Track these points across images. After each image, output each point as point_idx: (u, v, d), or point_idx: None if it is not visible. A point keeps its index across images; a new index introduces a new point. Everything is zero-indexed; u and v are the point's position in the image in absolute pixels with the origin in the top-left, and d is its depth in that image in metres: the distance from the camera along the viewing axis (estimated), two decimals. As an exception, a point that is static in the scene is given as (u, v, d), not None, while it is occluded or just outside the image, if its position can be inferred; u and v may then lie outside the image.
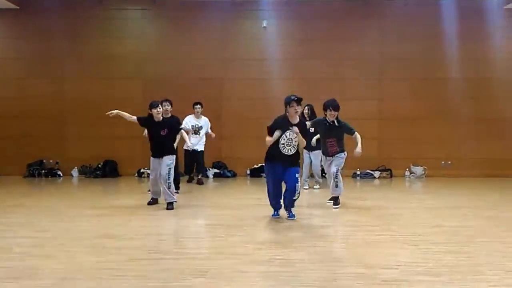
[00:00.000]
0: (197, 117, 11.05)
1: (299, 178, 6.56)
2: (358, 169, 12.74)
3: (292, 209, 6.74)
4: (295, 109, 6.47)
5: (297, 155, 6.65)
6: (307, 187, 10.32)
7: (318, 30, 13.01)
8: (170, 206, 7.68)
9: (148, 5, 13.23)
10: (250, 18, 13.24)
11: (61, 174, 12.93)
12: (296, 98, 6.48)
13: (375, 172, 12.77)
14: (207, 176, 12.56)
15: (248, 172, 12.90)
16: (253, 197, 9.18)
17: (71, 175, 12.96)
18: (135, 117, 7.85)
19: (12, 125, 12.93)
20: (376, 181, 12.24)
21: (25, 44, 13.22)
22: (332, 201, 7.97)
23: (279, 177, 6.61)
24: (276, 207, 6.87)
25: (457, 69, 12.86)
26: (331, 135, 7.79)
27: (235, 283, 4.05)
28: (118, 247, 5.22)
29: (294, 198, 6.60)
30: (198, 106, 11.06)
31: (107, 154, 12.90)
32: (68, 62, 13.14)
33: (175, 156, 8.02)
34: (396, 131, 12.95)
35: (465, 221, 6.78)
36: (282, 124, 6.53)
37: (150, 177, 8.04)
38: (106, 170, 12.77)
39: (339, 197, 7.92)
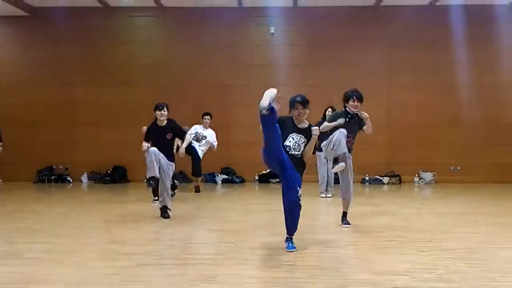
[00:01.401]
0: (205, 127, 10.96)
1: (299, 191, 5.23)
2: (367, 175, 12.70)
3: (292, 238, 5.36)
4: (299, 112, 5.45)
5: (301, 163, 5.49)
6: (330, 195, 9.85)
7: (326, 36, 13.03)
8: (165, 213, 7.31)
9: (157, 12, 13.34)
10: (257, 24, 13.30)
11: (71, 180, 13.01)
12: (300, 100, 5.45)
13: (384, 177, 12.72)
14: (215, 182, 12.62)
15: (257, 178, 12.91)
16: (262, 203, 9.19)
17: (81, 180, 13.04)
18: (145, 143, 7.54)
19: (22, 131, 13.02)
20: (385, 187, 12.19)
21: (35, 51, 13.37)
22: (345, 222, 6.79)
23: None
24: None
25: (466, 74, 12.82)
26: (351, 131, 6.55)
27: (244, 289, 4.04)
28: (127, 253, 5.23)
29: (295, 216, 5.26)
30: (208, 117, 10.95)
31: (116, 160, 12.97)
32: (78, 69, 13.27)
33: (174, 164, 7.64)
34: (405, 136, 12.91)
35: (475, 227, 6.73)
36: (287, 124, 5.47)
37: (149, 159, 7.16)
38: (116, 176, 12.84)
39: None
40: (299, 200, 5.21)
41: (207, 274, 4.42)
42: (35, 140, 13.12)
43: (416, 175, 12.85)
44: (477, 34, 12.74)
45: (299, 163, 5.45)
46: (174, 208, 7.78)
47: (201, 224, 7.22)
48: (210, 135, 10.92)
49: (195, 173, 10.75)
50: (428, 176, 12.76)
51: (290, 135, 5.47)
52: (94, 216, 7.63)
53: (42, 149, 13.09)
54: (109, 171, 12.95)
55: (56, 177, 12.97)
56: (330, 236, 6.24)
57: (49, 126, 13.13)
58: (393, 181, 12.71)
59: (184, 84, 13.04)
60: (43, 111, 13.17)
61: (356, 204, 8.37)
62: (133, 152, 12.62)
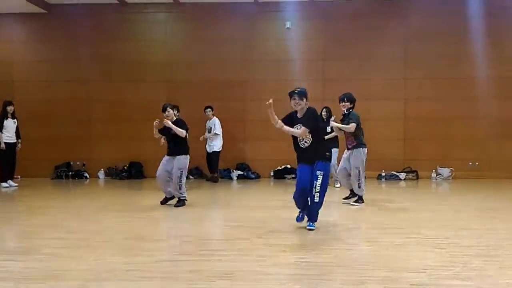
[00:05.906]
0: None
1: (319, 177, 5.93)
2: (383, 171, 12.61)
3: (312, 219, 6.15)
4: (295, 102, 6.06)
5: (314, 148, 6.05)
6: (338, 186, 10.47)
7: (342, 30, 12.94)
8: (179, 203, 7.96)
9: (172, 8, 13.38)
10: (273, 19, 13.25)
11: (88, 176, 13.13)
12: (294, 91, 6.08)
13: (401, 173, 12.61)
14: (231, 178, 12.66)
15: (272, 174, 12.89)
16: (277, 199, 9.18)
17: (98, 177, 13.16)
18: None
19: (40, 128, 13.17)
20: (402, 183, 12.08)
21: (52, 48, 13.49)
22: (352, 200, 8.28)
23: (305, 178, 5.97)
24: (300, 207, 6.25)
25: (484, 68, 12.62)
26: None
27: (261, 285, 4.03)
28: (144, 248, 5.27)
29: (315, 200, 5.97)
30: (209, 109, 12.00)
31: (132, 156, 13.06)
32: (94, 65, 13.36)
33: (188, 156, 8.03)
34: (422, 131, 12.78)
35: (493, 224, 6.64)
36: (290, 117, 6.22)
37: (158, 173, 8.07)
38: (132, 172, 12.92)
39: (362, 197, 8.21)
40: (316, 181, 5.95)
41: (224, 270, 4.43)
42: (53, 137, 13.26)
43: (434, 171, 12.71)
44: (495, 26, 12.54)
45: (310, 153, 6.06)
46: (190, 203, 7.82)
47: (217, 220, 7.24)
48: (215, 124, 11.90)
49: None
50: (445, 172, 12.61)
51: (295, 126, 6.11)
52: (111, 212, 7.69)
53: (59, 146, 13.23)
54: (125, 167, 13.05)
55: (73, 173, 13.10)
56: (346, 232, 6.21)
57: (66, 123, 13.26)
58: (410, 177, 12.58)
59: (199, 80, 13.05)
60: (60, 107, 13.31)
61: (373, 200, 8.35)
62: (149, 148, 12.76)
